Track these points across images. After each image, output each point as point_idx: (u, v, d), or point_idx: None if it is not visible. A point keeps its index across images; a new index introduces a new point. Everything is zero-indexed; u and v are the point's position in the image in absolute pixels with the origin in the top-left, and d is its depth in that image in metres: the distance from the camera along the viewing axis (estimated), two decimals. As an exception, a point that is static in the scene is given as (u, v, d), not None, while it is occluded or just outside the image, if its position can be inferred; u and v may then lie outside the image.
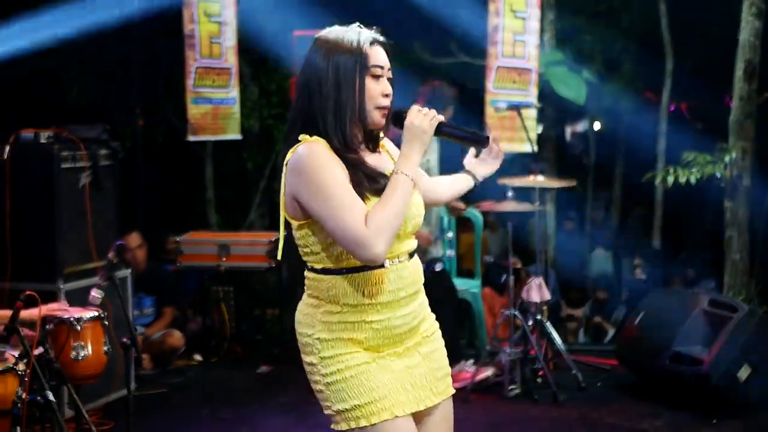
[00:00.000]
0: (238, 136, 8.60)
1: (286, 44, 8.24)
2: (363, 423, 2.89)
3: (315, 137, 2.87)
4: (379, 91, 2.91)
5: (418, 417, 3.02)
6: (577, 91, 8.96)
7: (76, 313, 5.12)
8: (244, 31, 8.54)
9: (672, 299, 6.92)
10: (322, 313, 2.96)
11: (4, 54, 7.75)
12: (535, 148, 7.47)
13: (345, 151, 2.87)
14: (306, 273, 3.04)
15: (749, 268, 8.01)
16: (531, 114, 7.60)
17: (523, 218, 8.59)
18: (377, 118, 2.94)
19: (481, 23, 7.97)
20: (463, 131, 3.02)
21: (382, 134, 3.08)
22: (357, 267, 2.88)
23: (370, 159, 2.99)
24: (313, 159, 2.81)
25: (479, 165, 3.52)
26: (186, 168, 10.93)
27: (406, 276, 2.96)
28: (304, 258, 3.00)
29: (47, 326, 4.91)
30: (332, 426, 2.98)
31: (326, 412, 2.99)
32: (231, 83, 8.32)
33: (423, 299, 3.09)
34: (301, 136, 2.88)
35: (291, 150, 2.87)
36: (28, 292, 4.44)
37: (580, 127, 16.14)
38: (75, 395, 4.88)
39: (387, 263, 2.90)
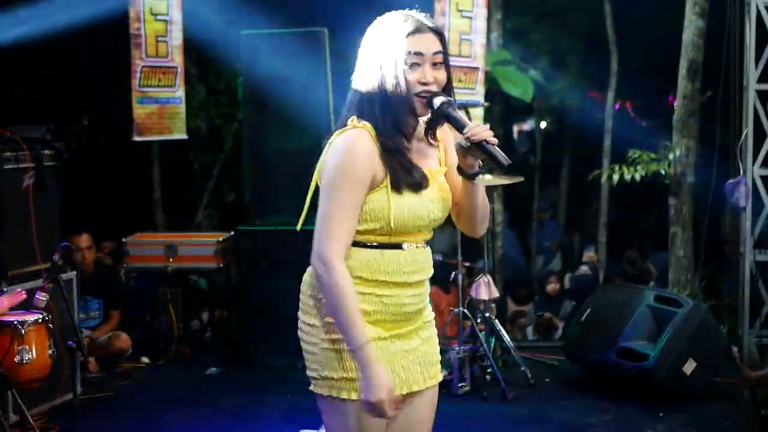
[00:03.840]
0: (184, 136, 8.54)
1: (233, 44, 8.19)
2: (344, 395, 2.97)
3: (363, 123, 2.94)
4: (415, 79, 2.93)
5: (407, 397, 3.10)
6: (524, 89, 9.02)
7: (20, 316, 5.06)
8: (191, 31, 8.48)
9: (618, 295, 6.98)
10: None
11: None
12: (483, 147, 7.50)
13: (391, 136, 2.94)
14: None
15: (693, 265, 8.13)
16: (478, 113, 7.63)
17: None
18: (417, 105, 2.96)
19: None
20: (498, 152, 2.90)
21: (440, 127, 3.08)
22: (375, 244, 2.99)
23: (418, 151, 3.04)
24: (343, 157, 2.91)
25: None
26: (133, 169, 10.85)
27: (421, 261, 3.06)
28: None
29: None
30: (311, 388, 3.04)
31: (311, 374, 3.04)
32: (177, 82, 8.26)
33: (428, 286, 3.16)
34: (350, 120, 2.96)
35: (338, 132, 2.97)
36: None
37: (527, 125, 16.28)
38: (19, 399, 4.83)
39: (405, 246, 3.00)
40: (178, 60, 8.25)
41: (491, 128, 2.99)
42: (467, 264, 7.35)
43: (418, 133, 3.07)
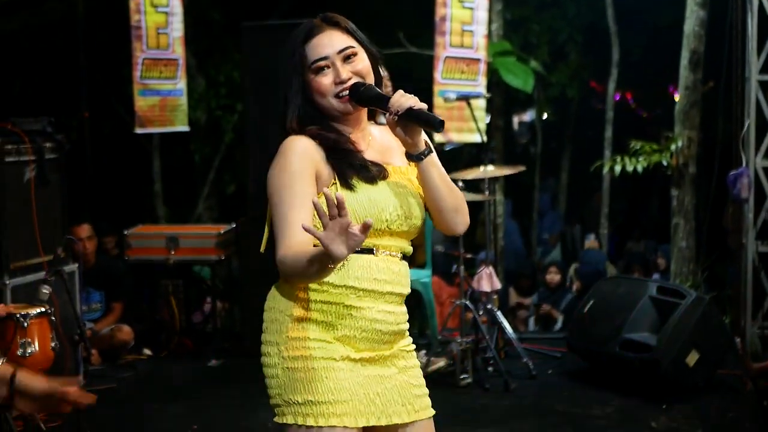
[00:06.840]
0: (186, 128, 8.53)
1: (233, 35, 8.19)
2: (310, 422, 2.68)
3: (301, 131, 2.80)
4: (329, 83, 2.78)
5: (391, 430, 2.85)
6: (524, 80, 9.01)
7: (23, 309, 5.06)
8: (191, 22, 8.47)
9: (620, 287, 6.97)
10: (301, 289, 2.74)
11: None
12: (485, 138, 7.50)
13: (331, 141, 2.78)
14: None
15: (695, 256, 8.13)
16: (480, 104, 7.62)
17: (471, 208, 8.57)
18: (340, 106, 2.81)
19: (429, 14, 7.98)
20: (428, 114, 2.75)
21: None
22: None
23: (381, 152, 2.89)
24: (277, 162, 2.75)
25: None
26: (133, 161, 10.85)
27: (395, 271, 2.82)
28: None
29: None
30: (275, 419, 2.77)
31: (274, 401, 2.77)
32: (178, 74, 8.25)
33: (405, 310, 2.91)
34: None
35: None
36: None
37: (527, 116, 16.26)
38: (23, 392, 4.81)
39: (377, 252, 2.78)
40: (179, 52, 8.25)
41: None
42: (469, 255, 7.34)
43: (376, 135, 2.91)
